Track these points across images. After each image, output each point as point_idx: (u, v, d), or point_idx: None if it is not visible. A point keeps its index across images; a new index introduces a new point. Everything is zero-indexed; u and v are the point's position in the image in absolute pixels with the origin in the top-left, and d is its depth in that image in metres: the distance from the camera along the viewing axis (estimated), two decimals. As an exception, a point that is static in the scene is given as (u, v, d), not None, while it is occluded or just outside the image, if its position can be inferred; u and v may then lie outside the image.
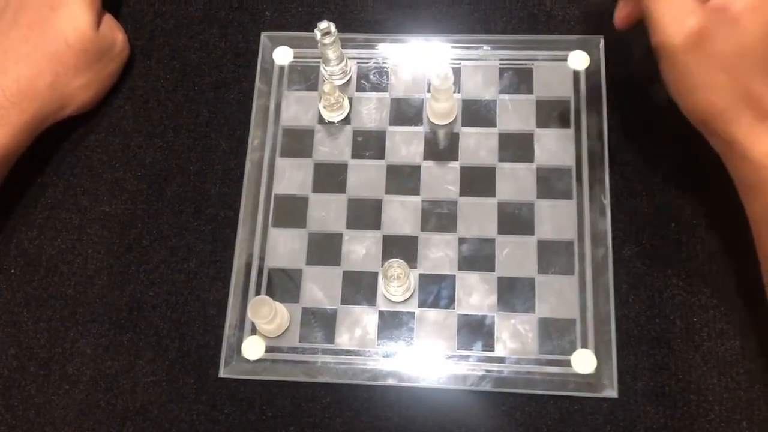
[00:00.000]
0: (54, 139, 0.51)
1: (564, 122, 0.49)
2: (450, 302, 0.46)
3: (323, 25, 0.46)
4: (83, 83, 0.50)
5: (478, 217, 0.47)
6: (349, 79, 0.51)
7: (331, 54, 0.48)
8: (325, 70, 0.50)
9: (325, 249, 0.47)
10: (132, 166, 0.51)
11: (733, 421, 0.43)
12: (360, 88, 0.51)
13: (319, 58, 0.51)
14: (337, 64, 0.49)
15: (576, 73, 0.50)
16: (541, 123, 0.49)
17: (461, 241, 0.47)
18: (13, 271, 0.49)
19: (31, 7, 0.49)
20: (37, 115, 0.48)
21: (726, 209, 0.46)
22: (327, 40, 0.47)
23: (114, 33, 0.51)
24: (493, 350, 0.45)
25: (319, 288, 0.47)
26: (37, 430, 0.45)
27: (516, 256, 0.46)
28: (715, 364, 0.44)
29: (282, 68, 0.52)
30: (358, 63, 0.51)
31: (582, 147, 0.48)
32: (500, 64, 0.51)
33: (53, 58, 0.48)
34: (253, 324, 0.46)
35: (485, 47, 0.51)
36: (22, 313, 0.48)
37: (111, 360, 0.46)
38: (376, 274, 0.47)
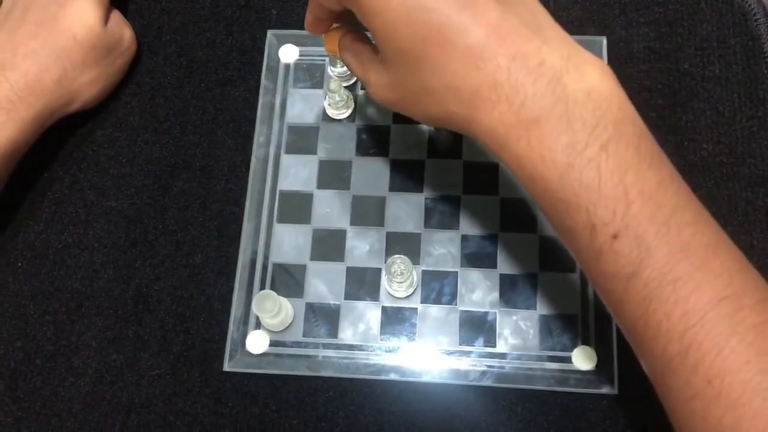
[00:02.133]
0: (61, 134, 0.51)
1: (566, 121, 0.49)
2: (452, 298, 0.46)
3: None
4: (90, 79, 0.50)
5: (480, 214, 0.48)
6: (356, 80, 0.51)
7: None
8: (332, 71, 0.51)
9: (329, 245, 0.48)
10: (138, 162, 0.51)
11: (732, 417, 0.43)
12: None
13: (325, 56, 0.52)
14: (344, 65, 0.49)
15: (579, 73, 0.50)
16: (544, 122, 0.49)
17: (464, 238, 0.47)
18: (19, 264, 0.49)
19: (39, 4, 0.49)
20: (44, 110, 0.48)
21: (727, 209, 0.47)
22: None
23: (122, 29, 0.52)
24: (494, 346, 0.45)
25: (323, 283, 0.47)
26: (43, 422, 0.46)
27: (518, 252, 0.47)
28: (715, 362, 0.44)
29: (288, 66, 0.52)
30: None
31: (584, 146, 0.49)
32: (504, 63, 0.51)
33: (61, 54, 0.48)
34: (257, 318, 0.46)
35: (489, 47, 0.52)
36: (29, 306, 0.48)
37: (116, 353, 0.47)
38: (380, 270, 0.47)
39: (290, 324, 0.46)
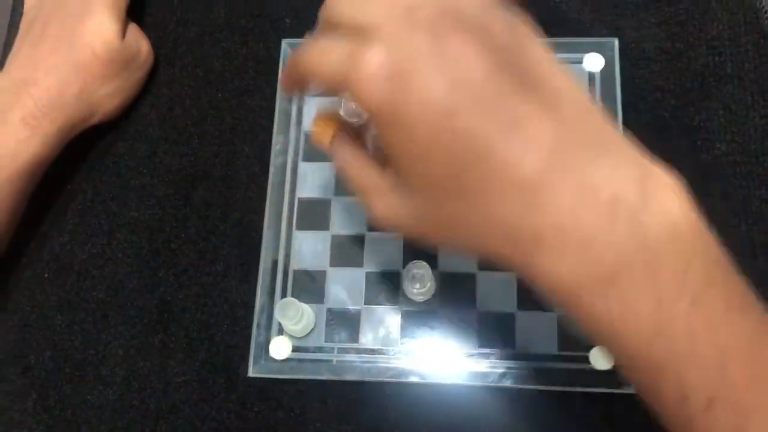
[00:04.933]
0: (82, 147, 0.52)
1: (580, 124, 0.50)
2: (471, 301, 0.47)
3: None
4: (110, 92, 0.51)
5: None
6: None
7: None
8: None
9: (348, 251, 0.49)
10: (159, 172, 0.52)
11: (750, 414, 0.43)
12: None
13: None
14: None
15: (591, 75, 0.51)
16: (558, 125, 0.50)
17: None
18: (46, 275, 0.50)
19: (58, 19, 0.50)
20: (66, 124, 0.49)
21: (740, 208, 0.47)
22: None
23: (139, 42, 0.53)
24: (513, 347, 0.46)
25: (343, 289, 0.48)
26: (74, 429, 0.47)
27: (534, 255, 0.47)
28: (731, 359, 0.45)
29: (303, 74, 0.53)
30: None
31: (598, 148, 0.49)
32: (516, 67, 0.52)
33: (81, 68, 0.49)
34: (280, 324, 0.47)
35: (501, 51, 0.52)
36: (56, 317, 0.49)
37: (143, 361, 0.48)
38: (399, 274, 0.48)
39: (312, 330, 0.47)
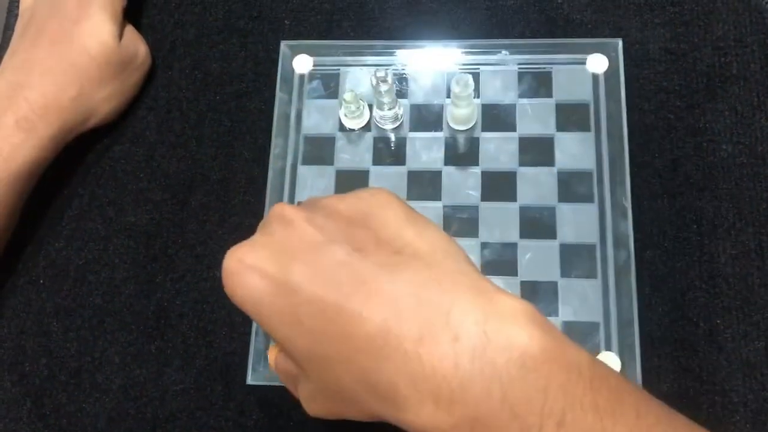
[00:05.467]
0: (79, 150, 0.52)
1: (584, 126, 0.49)
2: (473, 307, 0.46)
3: (380, 73, 0.46)
4: (106, 95, 0.50)
5: (499, 222, 0.48)
6: (401, 123, 0.51)
7: (385, 99, 0.48)
8: (378, 113, 0.50)
9: (348, 255, 0.48)
10: (156, 176, 0.51)
11: (759, 422, 0.43)
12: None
13: (339, 65, 0.52)
14: (390, 109, 0.49)
15: (595, 77, 0.50)
16: (561, 127, 0.49)
17: (483, 245, 0.47)
18: (42, 281, 0.50)
19: (54, 21, 0.49)
20: (62, 127, 0.48)
21: (748, 210, 0.47)
22: (383, 87, 0.47)
23: (136, 44, 0.52)
24: (517, 354, 0.45)
25: (344, 294, 0.47)
26: (70, 438, 0.46)
27: (538, 260, 0.47)
28: (740, 366, 0.44)
29: (302, 76, 0.52)
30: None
31: (602, 150, 0.48)
32: (519, 68, 0.51)
33: (77, 71, 0.49)
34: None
35: (504, 52, 0.51)
36: (52, 323, 0.49)
37: (139, 368, 0.47)
38: (400, 279, 0.47)
39: None
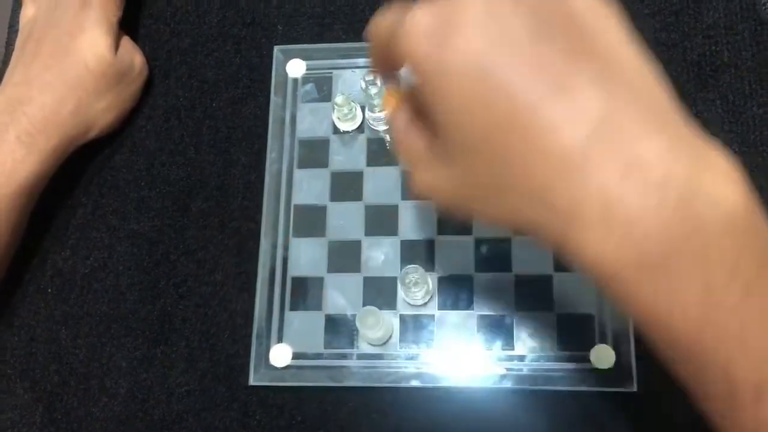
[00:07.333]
0: (80, 161, 0.53)
1: (575, 120, 0.49)
2: (469, 303, 0.47)
3: (369, 77, 0.47)
4: (105, 106, 0.51)
5: (493, 219, 0.48)
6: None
7: (376, 102, 0.49)
8: (370, 114, 0.51)
9: (345, 256, 0.49)
10: (156, 184, 0.52)
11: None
12: (372, 96, 0.52)
13: (332, 68, 0.52)
14: (381, 111, 0.50)
15: (585, 70, 0.50)
16: (552, 121, 0.50)
17: (478, 242, 0.48)
18: (49, 290, 0.51)
19: (51, 36, 0.50)
20: (62, 140, 0.49)
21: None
22: (373, 90, 0.47)
23: (132, 55, 0.53)
24: (512, 349, 0.46)
25: (341, 295, 0.48)
26: (81, 441, 0.48)
27: (533, 254, 0.47)
28: (734, 355, 0.44)
29: (296, 80, 0.53)
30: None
31: (594, 144, 0.49)
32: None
33: (75, 84, 0.50)
34: (279, 332, 0.47)
35: (494, 49, 0.52)
36: (61, 331, 0.50)
37: (146, 372, 0.48)
38: (396, 279, 0.48)
39: (389, 338, 0.47)
